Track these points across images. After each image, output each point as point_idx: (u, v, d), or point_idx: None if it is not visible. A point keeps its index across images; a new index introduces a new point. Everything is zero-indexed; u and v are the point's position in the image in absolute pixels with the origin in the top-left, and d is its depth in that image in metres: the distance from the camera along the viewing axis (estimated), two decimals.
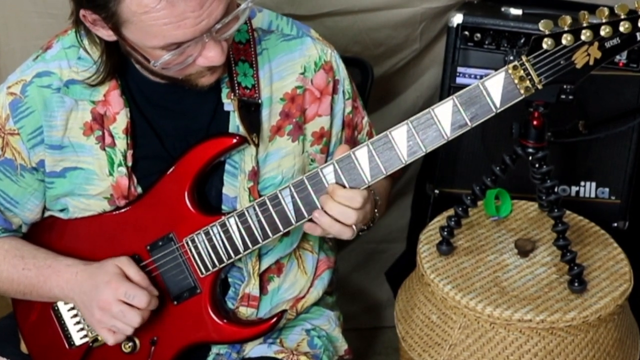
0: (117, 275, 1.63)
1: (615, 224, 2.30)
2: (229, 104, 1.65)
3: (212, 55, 1.47)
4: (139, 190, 1.68)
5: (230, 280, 1.75)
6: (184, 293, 1.69)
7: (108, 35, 1.50)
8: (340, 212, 1.55)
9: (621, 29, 1.39)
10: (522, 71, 1.42)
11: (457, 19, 2.23)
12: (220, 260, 1.65)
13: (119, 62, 1.62)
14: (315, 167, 1.61)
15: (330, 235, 1.60)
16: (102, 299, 1.62)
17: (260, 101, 1.67)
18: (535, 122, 1.85)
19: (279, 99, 1.69)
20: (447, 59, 2.26)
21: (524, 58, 1.42)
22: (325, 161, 1.75)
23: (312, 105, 1.71)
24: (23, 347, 1.83)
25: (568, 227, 1.88)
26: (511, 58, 1.45)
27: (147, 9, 1.38)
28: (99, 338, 1.74)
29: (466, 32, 2.22)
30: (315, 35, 1.75)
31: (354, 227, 1.57)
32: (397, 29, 2.38)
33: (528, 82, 1.42)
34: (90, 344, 1.75)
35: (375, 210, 1.70)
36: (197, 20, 1.40)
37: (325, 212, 1.55)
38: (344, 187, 1.55)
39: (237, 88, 1.64)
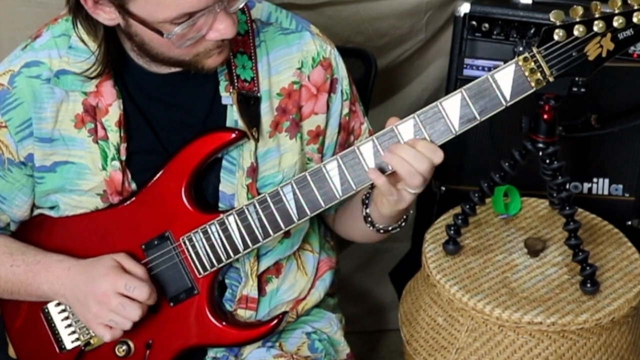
0: (115, 267, 1.65)
1: (630, 222, 2.32)
2: (227, 97, 1.67)
3: (223, 27, 1.49)
4: (133, 186, 1.70)
5: (227, 281, 1.76)
6: (181, 294, 1.70)
7: (110, 18, 1.52)
8: (414, 156, 1.50)
9: (634, 19, 1.40)
10: (532, 63, 1.44)
11: (465, 8, 2.24)
12: (219, 260, 1.66)
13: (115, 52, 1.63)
14: (312, 167, 1.63)
15: (398, 186, 1.54)
16: (100, 291, 1.63)
17: (259, 95, 1.68)
18: (545, 116, 1.87)
19: (276, 93, 1.70)
20: (454, 50, 2.28)
21: (534, 50, 1.43)
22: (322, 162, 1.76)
23: (308, 103, 1.73)
24: (11, 352, 1.84)
25: (580, 226, 1.90)
26: (520, 49, 1.47)
27: None
28: (92, 341, 1.75)
29: (474, 22, 2.24)
30: (316, 31, 1.76)
31: (424, 176, 1.52)
32: (401, 19, 2.39)
33: (539, 74, 1.44)
34: (82, 348, 1.76)
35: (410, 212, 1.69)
36: None
37: (398, 154, 1.51)
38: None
39: (236, 81, 1.66)
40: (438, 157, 1.51)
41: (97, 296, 1.63)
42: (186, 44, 1.50)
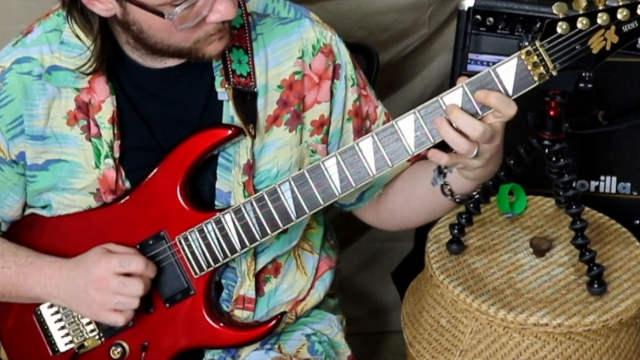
0: (105, 252, 1.66)
1: (638, 222, 2.32)
2: (223, 92, 1.66)
3: (224, 8, 1.50)
4: (127, 184, 1.70)
5: (223, 281, 1.76)
6: (177, 295, 1.70)
7: (107, 9, 1.52)
8: (468, 124, 1.44)
9: (639, 11, 1.41)
10: (535, 57, 1.43)
11: (469, 2, 2.24)
12: (216, 260, 1.66)
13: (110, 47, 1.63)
14: (317, 159, 1.62)
15: (458, 162, 1.49)
16: (97, 277, 1.63)
17: (256, 90, 1.68)
18: (552, 113, 1.87)
19: (276, 86, 1.70)
20: (458, 44, 2.28)
21: (537, 43, 1.43)
22: (327, 152, 1.75)
23: (311, 92, 1.72)
24: (3, 355, 1.85)
25: (587, 225, 1.90)
26: (526, 44, 1.46)
27: None
28: (86, 344, 1.76)
29: (478, 16, 2.23)
30: (315, 17, 1.76)
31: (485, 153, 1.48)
32: (404, 13, 2.39)
33: (542, 68, 1.44)
34: (76, 350, 1.76)
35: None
36: None
37: (450, 122, 1.46)
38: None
39: (231, 76, 1.66)
40: (512, 109, 1.46)
41: (96, 283, 1.64)
42: (187, 26, 1.50)
